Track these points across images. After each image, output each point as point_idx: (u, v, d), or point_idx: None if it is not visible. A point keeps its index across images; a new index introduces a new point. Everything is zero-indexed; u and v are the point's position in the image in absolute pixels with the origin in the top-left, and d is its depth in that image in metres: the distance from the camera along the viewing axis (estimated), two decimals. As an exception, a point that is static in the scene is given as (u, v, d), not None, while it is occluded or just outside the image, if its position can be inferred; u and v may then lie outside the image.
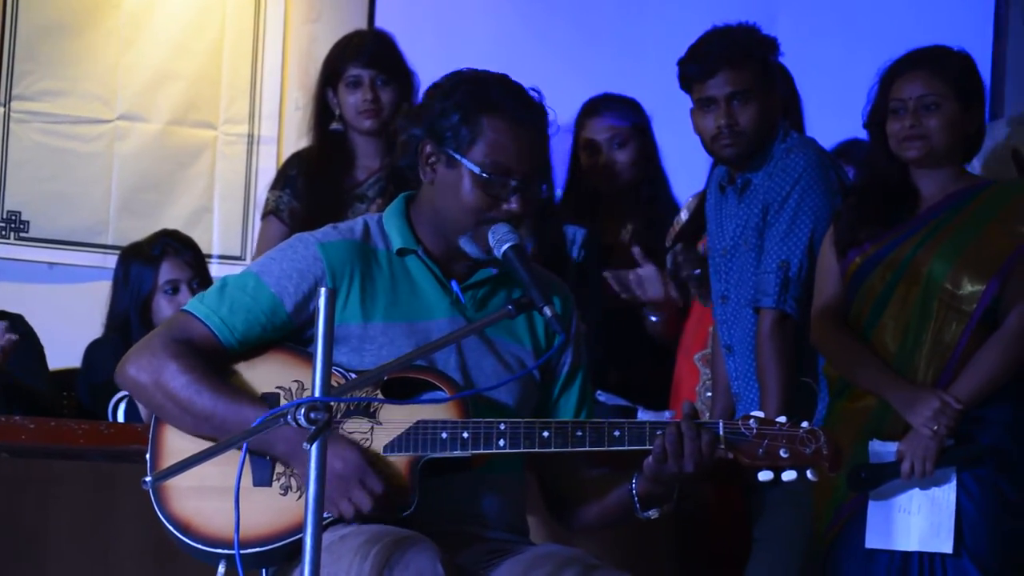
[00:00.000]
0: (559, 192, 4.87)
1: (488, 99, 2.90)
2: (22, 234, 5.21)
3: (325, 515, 2.71)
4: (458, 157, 2.89)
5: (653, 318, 4.60)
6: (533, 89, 2.95)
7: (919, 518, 3.53)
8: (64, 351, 4.58)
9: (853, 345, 3.67)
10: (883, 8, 5.78)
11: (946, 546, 3.50)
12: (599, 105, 4.82)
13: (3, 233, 5.10)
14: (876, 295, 3.67)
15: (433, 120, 2.91)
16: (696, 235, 4.37)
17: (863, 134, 3.85)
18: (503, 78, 2.95)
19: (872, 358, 3.63)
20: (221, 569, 2.79)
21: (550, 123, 2.94)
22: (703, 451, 2.77)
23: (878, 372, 3.61)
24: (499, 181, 2.87)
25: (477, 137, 2.88)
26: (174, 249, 4.52)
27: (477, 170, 2.87)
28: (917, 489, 3.55)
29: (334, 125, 4.68)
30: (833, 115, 4.68)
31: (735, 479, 3.97)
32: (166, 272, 4.49)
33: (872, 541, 3.57)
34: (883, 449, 3.58)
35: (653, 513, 2.89)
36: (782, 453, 2.79)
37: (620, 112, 4.79)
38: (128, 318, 4.46)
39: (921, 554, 3.54)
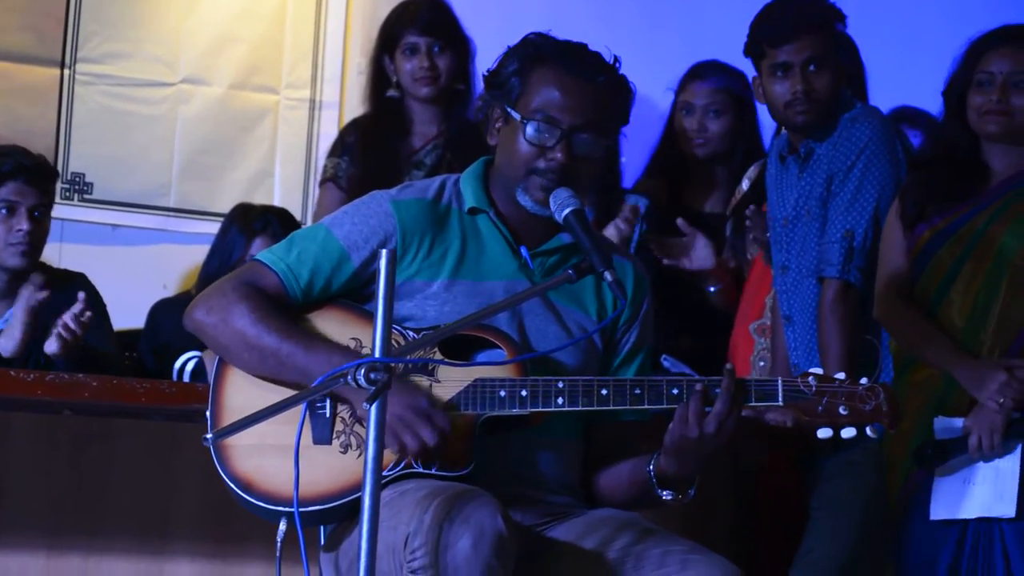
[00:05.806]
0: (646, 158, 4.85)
1: (540, 52, 2.89)
2: (86, 196, 5.24)
3: (385, 472, 2.71)
4: (510, 111, 2.89)
5: (711, 289, 4.57)
6: (614, 56, 2.91)
7: (983, 488, 3.50)
8: (127, 312, 4.61)
9: (919, 321, 3.63)
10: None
11: (1009, 510, 3.46)
12: (704, 70, 4.78)
13: (67, 195, 5.12)
14: (945, 269, 3.62)
15: (494, 80, 2.92)
16: (757, 205, 4.33)
17: (912, 101, 3.79)
18: (568, 41, 2.92)
19: (938, 334, 3.59)
20: (282, 527, 2.78)
21: (617, 83, 2.90)
22: (726, 411, 2.71)
23: (944, 348, 3.57)
24: (544, 130, 2.85)
25: (527, 88, 2.87)
26: (274, 231, 4.52)
27: (519, 117, 2.86)
28: (981, 461, 3.51)
29: (391, 92, 4.68)
30: (884, 82, 4.63)
31: (785, 447, 3.95)
32: (256, 247, 4.50)
33: (937, 513, 3.54)
34: (949, 425, 3.55)
35: (668, 495, 2.83)
36: (841, 410, 2.76)
37: (722, 80, 4.74)
38: (213, 278, 4.46)
39: (978, 522, 3.51)
